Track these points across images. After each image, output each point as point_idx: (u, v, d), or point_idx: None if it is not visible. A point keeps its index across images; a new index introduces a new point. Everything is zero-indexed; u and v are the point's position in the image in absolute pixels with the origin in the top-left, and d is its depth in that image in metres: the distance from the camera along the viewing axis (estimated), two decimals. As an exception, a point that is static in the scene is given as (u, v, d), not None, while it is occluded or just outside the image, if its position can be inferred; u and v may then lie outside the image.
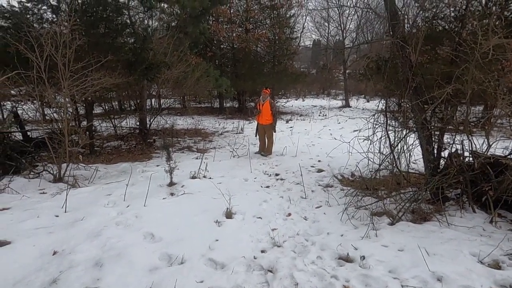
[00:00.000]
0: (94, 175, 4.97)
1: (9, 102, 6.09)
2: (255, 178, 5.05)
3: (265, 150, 6.72)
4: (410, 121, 4.00)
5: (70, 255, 2.50)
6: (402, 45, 3.63)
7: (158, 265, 2.50)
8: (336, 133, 9.22)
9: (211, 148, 7.39)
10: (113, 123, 8.46)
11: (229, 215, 3.46)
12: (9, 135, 5.44)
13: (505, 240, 2.73)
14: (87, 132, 6.20)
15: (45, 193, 4.10)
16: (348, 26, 20.63)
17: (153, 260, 2.54)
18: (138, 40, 6.79)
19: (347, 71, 20.08)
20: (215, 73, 9.24)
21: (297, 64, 23.82)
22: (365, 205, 3.62)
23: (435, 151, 3.92)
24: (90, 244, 2.68)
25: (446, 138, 3.92)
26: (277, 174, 5.28)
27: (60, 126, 4.65)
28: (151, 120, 8.28)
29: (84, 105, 6.71)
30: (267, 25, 15.51)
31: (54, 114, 4.97)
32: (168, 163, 4.37)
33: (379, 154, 3.97)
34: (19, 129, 5.85)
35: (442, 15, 4.14)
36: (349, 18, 20.42)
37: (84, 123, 6.71)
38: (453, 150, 3.73)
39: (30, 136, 6.04)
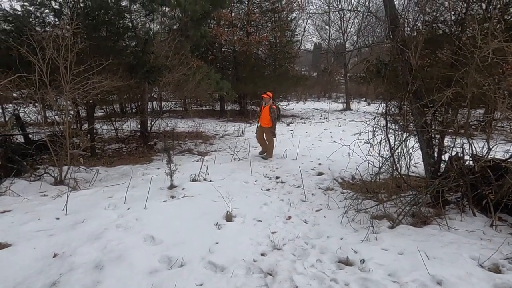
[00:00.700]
0: (95, 177, 4.99)
1: (11, 105, 6.11)
2: (255, 181, 5.05)
3: (264, 150, 6.73)
4: (411, 124, 4.00)
5: (71, 258, 2.51)
6: (402, 49, 3.64)
7: (158, 267, 2.50)
8: (337, 136, 9.23)
9: (212, 151, 7.40)
10: (114, 126, 8.47)
11: (229, 218, 3.46)
12: (11, 137, 5.46)
13: (505, 243, 2.72)
14: (88, 135, 6.23)
15: (46, 195, 4.11)
16: (348, 30, 20.72)
17: (153, 263, 2.54)
18: (139, 43, 6.84)
19: (348, 74, 20.09)
20: (216, 76, 9.29)
21: (298, 67, 23.91)
22: (365, 208, 3.62)
23: (436, 154, 3.91)
24: (91, 246, 2.68)
25: (447, 141, 3.92)
26: (277, 177, 5.28)
27: (62, 129, 4.68)
28: (152, 123, 8.30)
29: (85, 108, 6.74)
30: (268, 29, 15.59)
31: (56, 117, 4.98)
32: (169, 165, 4.37)
33: (379, 157, 3.97)
34: (20, 131, 5.87)
35: (442, 19, 4.14)
36: (349, 21, 20.53)
37: (86, 125, 6.74)
38: (454, 153, 3.73)
39: (32, 138, 6.06)
